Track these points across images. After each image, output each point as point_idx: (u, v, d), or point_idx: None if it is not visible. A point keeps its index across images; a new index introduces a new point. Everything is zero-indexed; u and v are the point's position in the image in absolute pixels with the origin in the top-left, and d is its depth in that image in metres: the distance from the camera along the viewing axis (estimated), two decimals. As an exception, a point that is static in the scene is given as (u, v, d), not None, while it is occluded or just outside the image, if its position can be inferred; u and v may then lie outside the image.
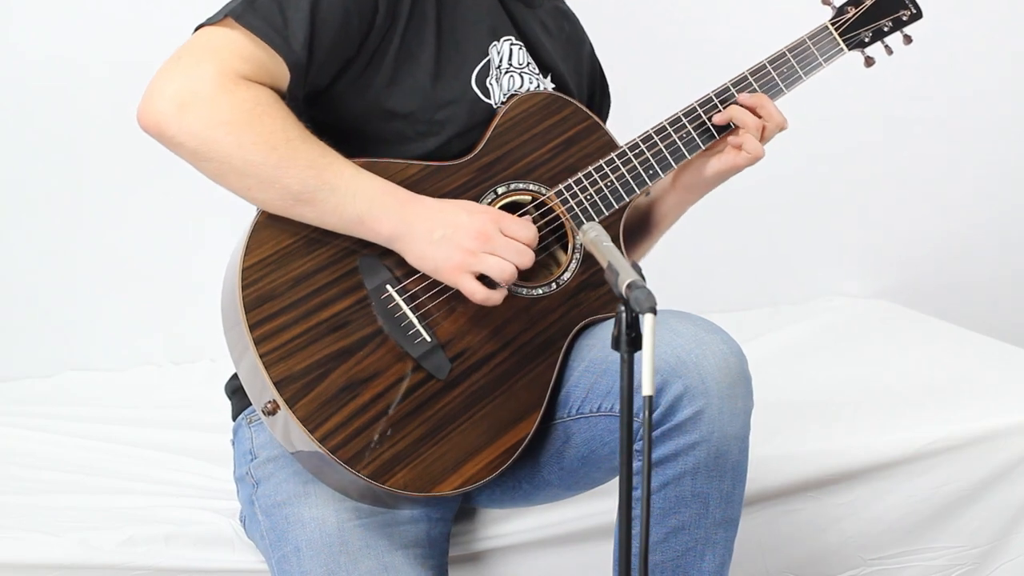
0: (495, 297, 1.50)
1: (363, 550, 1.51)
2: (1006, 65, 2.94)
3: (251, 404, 1.55)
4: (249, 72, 1.45)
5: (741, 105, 1.67)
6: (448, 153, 1.59)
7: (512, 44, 1.66)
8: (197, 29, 1.49)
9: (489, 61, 1.63)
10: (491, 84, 1.63)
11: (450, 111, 1.58)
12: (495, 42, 1.65)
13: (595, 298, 1.62)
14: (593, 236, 1.30)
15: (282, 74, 1.48)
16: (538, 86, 1.68)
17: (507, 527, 1.78)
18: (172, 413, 2.25)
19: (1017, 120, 2.99)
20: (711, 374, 1.44)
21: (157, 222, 2.50)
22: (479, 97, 1.61)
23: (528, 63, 1.68)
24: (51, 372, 2.44)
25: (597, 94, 1.86)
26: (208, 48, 1.46)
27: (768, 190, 2.83)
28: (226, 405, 1.72)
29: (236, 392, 1.68)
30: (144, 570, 1.67)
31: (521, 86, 1.66)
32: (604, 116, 1.86)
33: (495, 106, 1.63)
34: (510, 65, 1.65)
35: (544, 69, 1.72)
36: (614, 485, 1.59)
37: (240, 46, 1.45)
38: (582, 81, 1.81)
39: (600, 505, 1.76)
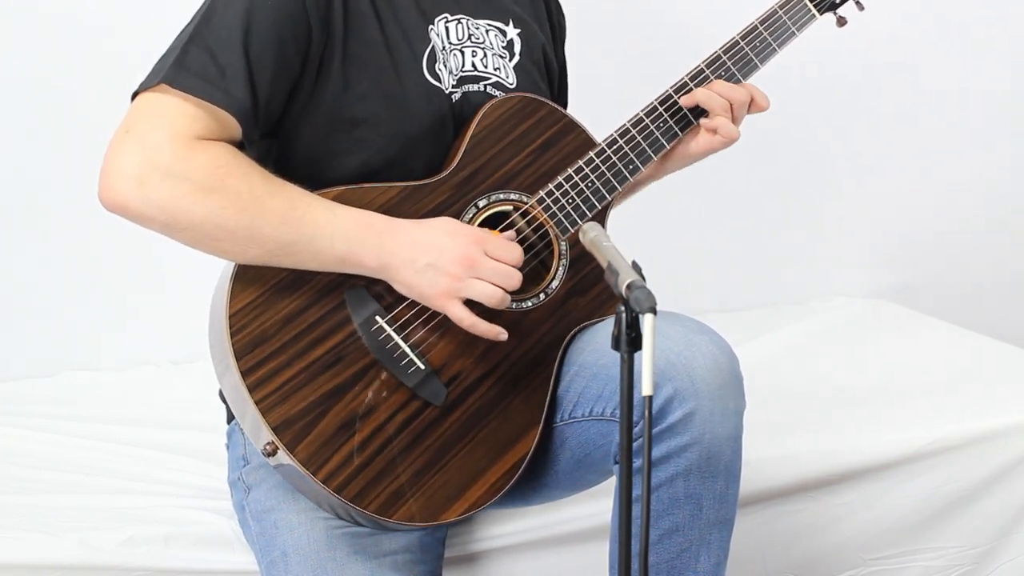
0: (481, 326, 1.49)
1: (350, 556, 1.50)
2: (1008, 64, 2.94)
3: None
4: (201, 130, 1.43)
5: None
6: (419, 151, 1.57)
7: (447, 22, 1.63)
8: (134, 96, 1.46)
9: (433, 46, 1.61)
10: (439, 69, 1.60)
11: (411, 107, 1.56)
12: (431, 25, 1.62)
13: (584, 304, 1.61)
14: (593, 236, 1.30)
15: (232, 124, 1.46)
16: (484, 56, 1.64)
17: (504, 528, 1.78)
18: (172, 413, 2.24)
19: (1018, 119, 2.99)
20: (701, 375, 1.43)
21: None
22: (433, 85, 1.59)
23: (468, 36, 1.64)
24: (51, 372, 2.43)
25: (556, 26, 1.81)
26: (154, 115, 1.43)
27: (768, 190, 2.84)
28: (225, 405, 1.72)
29: None
30: (144, 570, 1.67)
31: (463, 64, 1.63)
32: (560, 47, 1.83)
33: (447, 91, 1.60)
34: (450, 44, 1.62)
35: (501, 15, 1.69)
36: (611, 485, 1.59)
37: (184, 108, 1.42)
38: (539, 11, 1.77)
39: (598, 506, 1.75)
